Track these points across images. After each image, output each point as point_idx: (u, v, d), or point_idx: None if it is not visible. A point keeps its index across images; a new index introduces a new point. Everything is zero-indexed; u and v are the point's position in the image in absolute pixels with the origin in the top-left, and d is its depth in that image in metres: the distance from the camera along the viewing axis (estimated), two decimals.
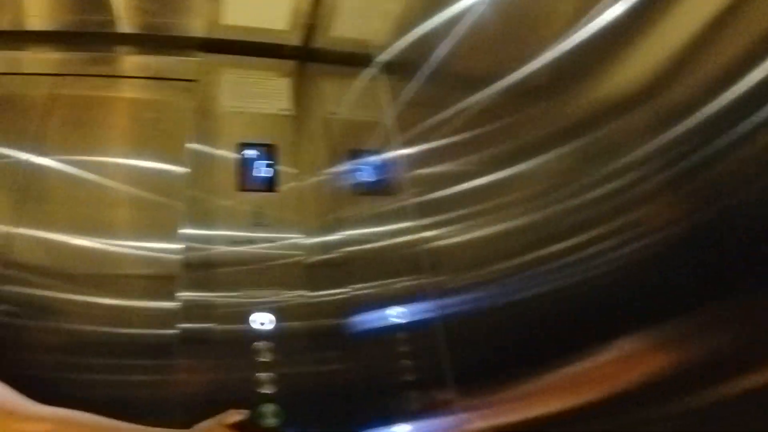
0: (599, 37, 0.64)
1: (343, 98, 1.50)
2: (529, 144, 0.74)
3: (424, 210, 1.04)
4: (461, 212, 0.88)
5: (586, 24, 0.65)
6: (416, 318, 1.04)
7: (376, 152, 1.33)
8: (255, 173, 1.45)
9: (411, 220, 1.09)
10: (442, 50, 0.92)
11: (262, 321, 1.22)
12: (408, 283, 1.08)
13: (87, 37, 1.63)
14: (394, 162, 1.22)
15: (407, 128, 1.10)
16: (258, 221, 1.37)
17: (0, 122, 1.45)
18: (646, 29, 0.60)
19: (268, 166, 1.47)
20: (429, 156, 1.02)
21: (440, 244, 0.97)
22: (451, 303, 0.94)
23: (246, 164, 1.46)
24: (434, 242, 0.99)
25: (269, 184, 1.44)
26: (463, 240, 0.91)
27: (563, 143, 0.69)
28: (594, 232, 0.65)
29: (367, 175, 1.37)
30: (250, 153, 1.48)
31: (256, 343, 1.18)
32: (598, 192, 0.65)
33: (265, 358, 1.16)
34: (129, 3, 1.55)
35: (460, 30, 0.88)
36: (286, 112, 1.62)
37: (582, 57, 0.67)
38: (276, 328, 1.22)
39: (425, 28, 1.03)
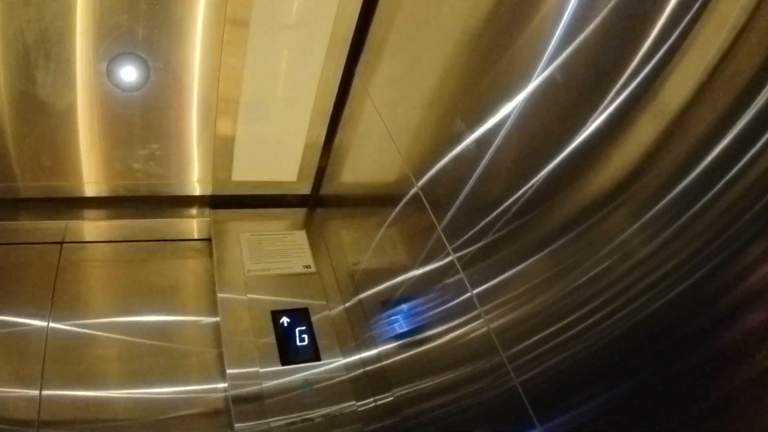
0: (583, 147, 0.75)
1: (362, 245, 1.48)
2: (535, 241, 0.85)
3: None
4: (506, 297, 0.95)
5: (572, 138, 0.76)
6: None
7: (408, 299, 1.26)
8: (297, 342, 1.40)
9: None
10: (461, 184, 1.02)
11: None
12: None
13: (93, 202, 1.58)
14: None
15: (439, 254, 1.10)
16: (308, 394, 1.33)
17: (10, 292, 1.39)
18: (626, 133, 0.69)
19: (307, 332, 1.42)
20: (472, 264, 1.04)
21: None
22: None
23: (285, 335, 1.40)
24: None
25: (313, 353, 1.39)
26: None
27: (562, 237, 0.80)
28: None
29: (403, 324, 1.28)
30: (286, 320, 1.43)
31: None
32: (594, 271, 0.74)
33: None
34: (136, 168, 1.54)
35: (476, 163, 0.97)
36: (310, 270, 1.61)
37: (570, 167, 0.78)
38: None
39: (441, 167, 1.10)
